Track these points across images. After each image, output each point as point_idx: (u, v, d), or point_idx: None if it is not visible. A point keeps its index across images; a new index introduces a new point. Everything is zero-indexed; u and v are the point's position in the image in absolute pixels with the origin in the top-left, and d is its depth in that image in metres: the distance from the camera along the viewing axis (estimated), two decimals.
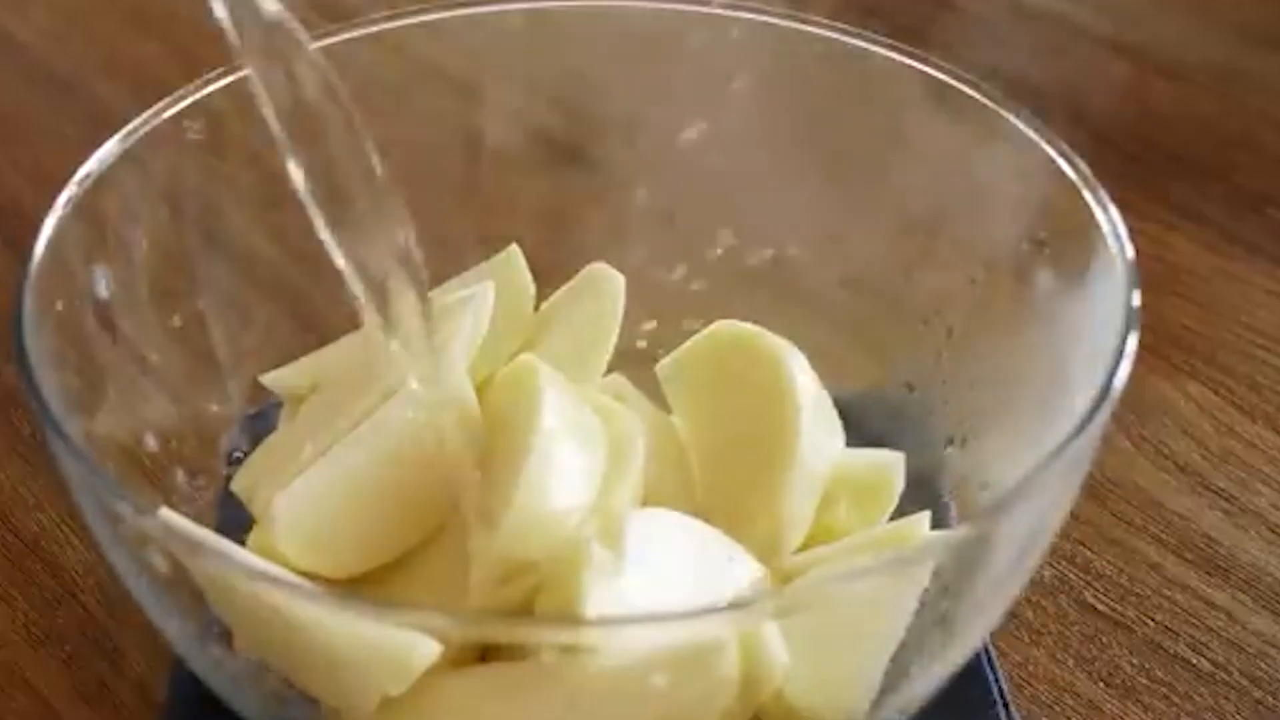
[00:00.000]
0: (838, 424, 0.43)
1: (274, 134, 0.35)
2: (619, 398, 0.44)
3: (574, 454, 0.39)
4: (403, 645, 0.34)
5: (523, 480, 0.37)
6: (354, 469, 0.39)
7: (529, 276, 0.47)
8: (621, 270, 0.47)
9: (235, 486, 0.43)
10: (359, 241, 0.36)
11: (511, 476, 0.38)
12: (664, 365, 0.44)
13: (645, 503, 0.40)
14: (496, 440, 0.40)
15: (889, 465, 0.44)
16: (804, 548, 0.42)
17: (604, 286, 0.46)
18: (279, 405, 0.46)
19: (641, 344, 0.47)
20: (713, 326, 0.44)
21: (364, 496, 0.39)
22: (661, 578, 0.37)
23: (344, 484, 0.39)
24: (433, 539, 0.40)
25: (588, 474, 0.39)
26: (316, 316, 0.47)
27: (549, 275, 0.47)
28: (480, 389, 0.42)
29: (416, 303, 0.37)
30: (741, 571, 0.39)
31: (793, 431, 0.41)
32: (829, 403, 0.43)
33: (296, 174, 0.35)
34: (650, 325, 0.48)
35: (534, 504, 0.37)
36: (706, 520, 0.40)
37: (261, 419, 0.47)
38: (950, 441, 0.45)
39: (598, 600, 0.35)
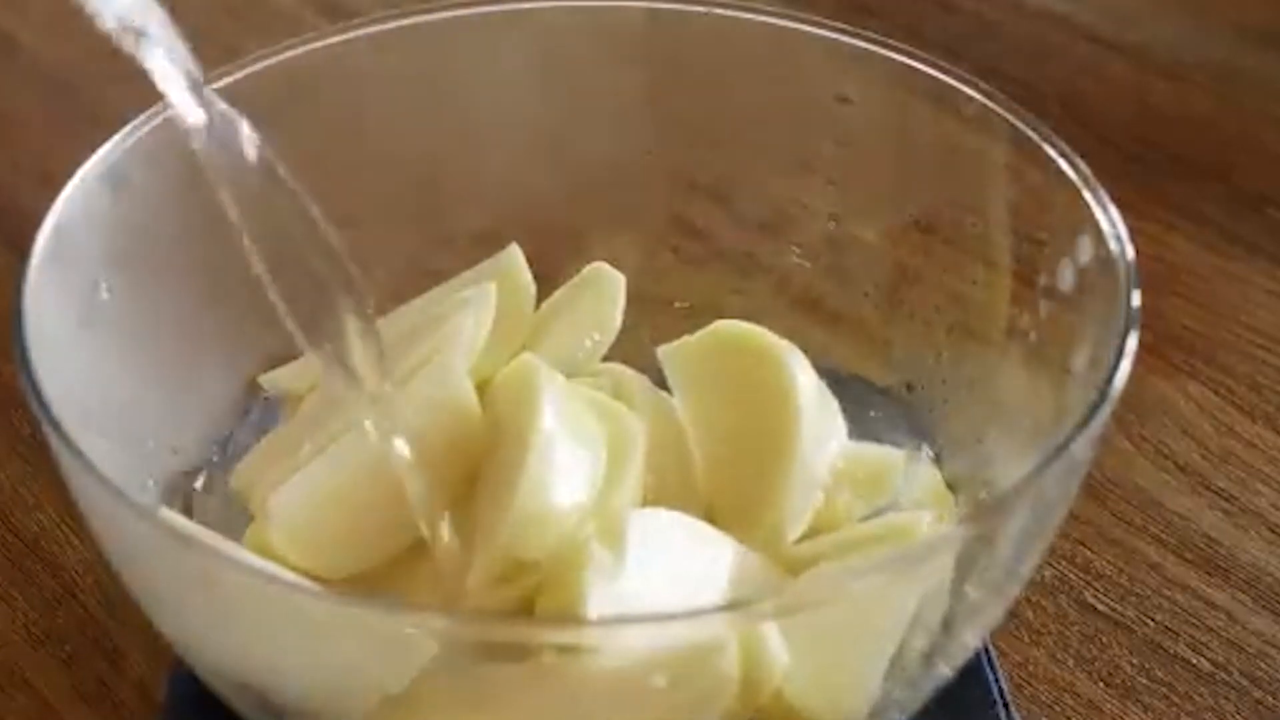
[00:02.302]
0: (839, 420, 0.43)
1: (230, 216, 0.36)
2: (619, 384, 0.44)
3: (574, 454, 0.39)
4: (402, 645, 0.34)
5: (523, 480, 0.37)
6: (350, 468, 0.39)
7: (529, 276, 0.47)
8: (621, 269, 0.47)
9: (234, 484, 0.43)
10: (316, 310, 0.37)
11: (512, 477, 0.38)
12: (666, 350, 0.44)
13: (647, 488, 0.41)
14: (496, 441, 0.40)
15: (890, 454, 0.44)
16: (805, 535, 0.42)
17: (604, 287, 0.46)
18: (278, 405, 0.46)
19: (642, 343, 0.47)
20: (715, 325, 0.44)
21: (359, 496, 0.39)
22: (662, 578, 0.37)
23: (339, 483, 0.39)
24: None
25: (588, 474, 0.39)
26: None
27: (549, 275, 0.47)
28: (480, 389, 0.42)
29: (369, 353, 0.37)
30: (742, 570, 0.39)
31: (794, 434, 0.41)
32: (831, 401, 0.43)
33: (254, 256, 0.36)
34: (650, 323, 0.48)
35: (534, 504, 0.37)
36: (708, 504, 0.40)
37: (261, 419, 0.47)
38: (949, 441, 0.45)
39: (598, 601, 0.35)
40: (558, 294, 0.47)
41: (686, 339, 0.44)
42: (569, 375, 0.43)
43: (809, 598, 0.35)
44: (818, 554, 0.41)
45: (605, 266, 0.47)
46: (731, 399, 0.43)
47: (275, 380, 0.45)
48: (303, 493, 0.39)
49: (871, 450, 0.44)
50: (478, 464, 0.40)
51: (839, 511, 0.43)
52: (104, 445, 0.39)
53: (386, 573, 0.39)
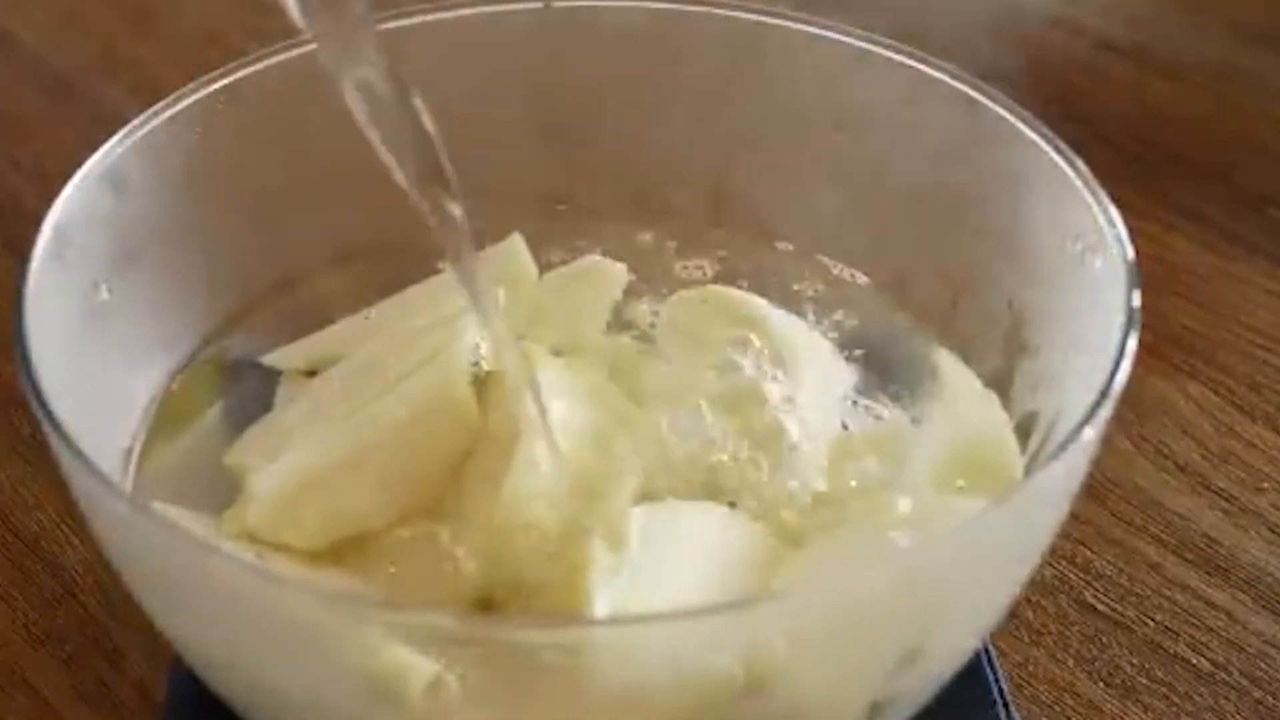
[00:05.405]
0: (836, 386, 0.44)
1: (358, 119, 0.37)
2: (619, 354, 0.44)
3: (563, 451, 0.39)
4: (403, 656, 0.34)
5: (509, 478, 0.37)
6: (336, 454, 0.40)
7: (532, 264, 0.47)
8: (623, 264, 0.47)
9: (228, 461, 0.43)
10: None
11: (498, 473, 0.38)
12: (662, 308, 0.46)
13: (649, 458, 0.41)
14: (488, 434, 0.40)
15: (897, 421, 0.44)
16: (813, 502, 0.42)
17: (603, 279, 0.47)
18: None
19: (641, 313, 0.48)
20: (704, 289, 0.46)
21: (342, 479, 0.40)
22: (664, 572, 0.37)
23: (323, 466, 0.40)
24: (417, 518, 0.40)
25: (578, 471, 0.39)
26: (316, 313, 0.47)
27: (550, 267, 0.47)
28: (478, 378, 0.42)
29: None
30: (746, 554, 0.39)
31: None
32: (827, 365, 0.44)
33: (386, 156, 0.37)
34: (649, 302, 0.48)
35: (515, 510, 0.37)
36: (708, 472, 0.40)
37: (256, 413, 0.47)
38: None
39: (604, 601, 0.35)
40: (555, 275, 0.47)
41: (680, 296, 0.46)
42: (570, 348, 0.44)
43: (809, 598, 0.35)
44: (819, 526, 0.41)
45: (605, 260, 0.47)
46: (717, 356, 0.43)
47: (276, 362, 0.45)
48: (285, 476, 0.39)
49: (878, 419, 0.44)
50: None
51: (844, 482, 0.42)
52: (104, 445, 0.39)
53: (369, 549, 0.40)
